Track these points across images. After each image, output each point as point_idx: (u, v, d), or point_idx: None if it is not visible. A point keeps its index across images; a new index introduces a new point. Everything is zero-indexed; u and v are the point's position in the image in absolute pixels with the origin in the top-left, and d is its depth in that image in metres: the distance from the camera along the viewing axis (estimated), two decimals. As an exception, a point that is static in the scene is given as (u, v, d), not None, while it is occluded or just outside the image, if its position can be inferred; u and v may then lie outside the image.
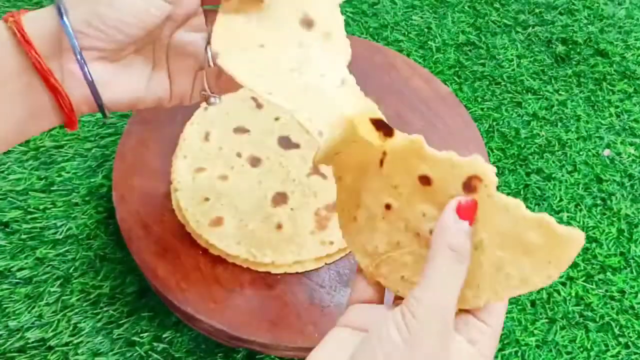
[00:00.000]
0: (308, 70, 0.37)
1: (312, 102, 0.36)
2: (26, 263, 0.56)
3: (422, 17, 0.77)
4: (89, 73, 0.35)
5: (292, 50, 0.37)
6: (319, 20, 0.38)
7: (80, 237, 0.58)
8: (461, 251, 0.30)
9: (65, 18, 0.34)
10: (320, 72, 0.37)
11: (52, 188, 0.61)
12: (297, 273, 0.53)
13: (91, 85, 0.36)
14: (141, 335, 0.53)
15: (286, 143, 0.59)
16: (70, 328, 0.53)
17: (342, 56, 0.38)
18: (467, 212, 0.30)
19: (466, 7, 0.78)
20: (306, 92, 0.36)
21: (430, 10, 0.78)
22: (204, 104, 0.61)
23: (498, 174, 0.64)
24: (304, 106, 0.36)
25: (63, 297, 0.55)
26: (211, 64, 0.39)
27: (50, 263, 0.56)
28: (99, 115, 0.65)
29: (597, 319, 0.56)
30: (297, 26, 0.38)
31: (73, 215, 0.59)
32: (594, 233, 0.60)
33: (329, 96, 0.36)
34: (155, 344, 0.53)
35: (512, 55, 0.73)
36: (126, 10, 0.34)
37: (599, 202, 0.62)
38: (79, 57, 0.35)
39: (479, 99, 0.70)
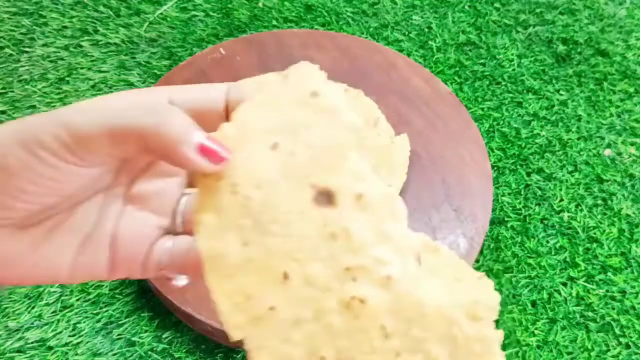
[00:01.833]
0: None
1: None
2: (26, 263, 0.56)
3: (422, 17, 0.77)
4: None
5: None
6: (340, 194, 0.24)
7: (80, 237, 0.58)
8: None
9: None
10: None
11: (52, 188, 0.61)
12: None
13: None
14: (141, 335, 0.53)
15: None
16: (70, 328, 0.53)
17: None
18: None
19: (466, 7, 0.78)
20: None
21: (431, 10, 0.77)
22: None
23: (499, 174, 0.64)
24: None
25: (63, 297, 0.55)
26: (180, 228, 0.28)
27: (50, 263, 0.56)
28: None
29: (598, 319, 0.55)
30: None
31: (73, 215, 0.59)
32: (595, 233, 0.60)
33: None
34: (155, 344, 0.53)
35: (512, 55, 0.73)
36: (24, 176, 0.24)
37: (599, 202, 0.62)
38: None
39: (480, 99, 0.70)
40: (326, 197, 0.24)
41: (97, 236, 0.27)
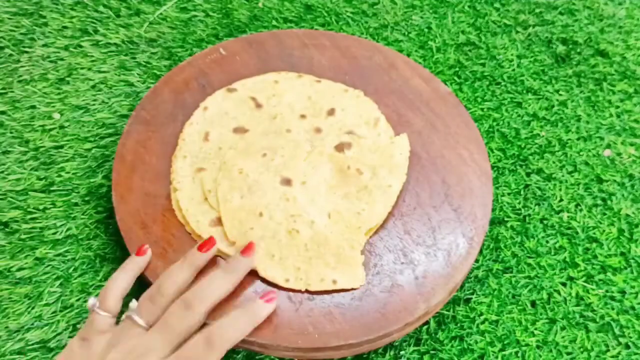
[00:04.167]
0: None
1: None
2: (26, 263, 0.56)
3: (422, 17, 0.77)
4: None
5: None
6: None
7: (80, 237, 0.58)
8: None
9: None
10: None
11: (51, 188, 0.61)
12: (297, 273, 0.52)
13: None
14: (141, 335, 0.53)
15: (286, 143, 0.59)
16: (70, 329, 0.53)
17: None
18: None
19: (466, 7, 0.78)
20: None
21: (431, 10, 0.77)
22: (203, 104, 0.61)
23: (498, 174, 0.64)
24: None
25: (63, 298, 0.55)
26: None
27: (50, 263, 0.56)
28: (99, 115, 0.65)
29: (598, 319, 0.55)
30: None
31: (73, 215, 0.59)
32: (594, 233, 0.60)
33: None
34: (155, 344, 0.53)
35: (512, 55, 0.73)
36: None
37: (599, 202, 0.62)
38: None
39: (479, 99, 0.70)
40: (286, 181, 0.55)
41: None
